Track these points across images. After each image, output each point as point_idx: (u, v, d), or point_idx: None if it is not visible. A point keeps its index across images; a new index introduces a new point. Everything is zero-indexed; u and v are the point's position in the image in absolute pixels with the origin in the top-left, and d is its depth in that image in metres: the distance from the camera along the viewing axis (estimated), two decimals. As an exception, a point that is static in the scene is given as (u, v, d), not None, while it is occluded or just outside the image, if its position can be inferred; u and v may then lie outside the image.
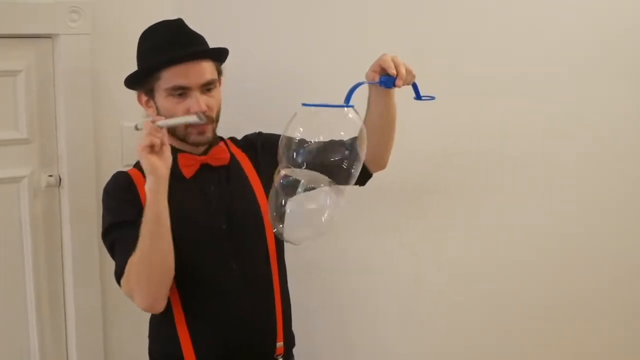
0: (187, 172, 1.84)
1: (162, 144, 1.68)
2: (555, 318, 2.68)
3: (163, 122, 1.72)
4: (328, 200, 1.58)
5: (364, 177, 1.86)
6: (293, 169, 1.57)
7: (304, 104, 1.55)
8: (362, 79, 1.75)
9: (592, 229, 2.68)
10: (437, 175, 2.49)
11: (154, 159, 1.66)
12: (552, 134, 2.58)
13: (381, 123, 1.85)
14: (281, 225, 1.60)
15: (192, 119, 1.75)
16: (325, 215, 1.60)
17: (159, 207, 1.68)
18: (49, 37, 2.07)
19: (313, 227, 1.64)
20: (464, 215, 2.53)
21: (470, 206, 2.53)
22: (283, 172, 1.59)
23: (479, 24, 2.45)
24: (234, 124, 2.02)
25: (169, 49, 1.78)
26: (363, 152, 1.61)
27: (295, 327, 1.97)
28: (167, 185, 1.69)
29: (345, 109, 1.57)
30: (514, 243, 2.59)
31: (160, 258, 1.70)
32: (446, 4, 2.43)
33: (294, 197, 1.56)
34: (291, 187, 1.57)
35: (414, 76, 1.73)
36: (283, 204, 1.58)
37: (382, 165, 1.96)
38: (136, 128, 1.77)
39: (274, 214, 1.60)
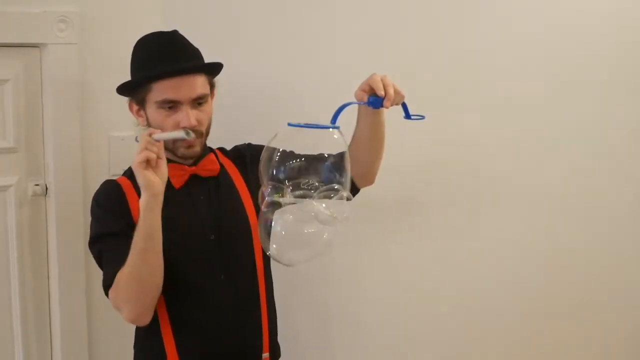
0: (177, 182, 1.84)
1: (158, 158, 1.67)
2: (546, 331, 2.72)
3: (159, 135, 1.70)
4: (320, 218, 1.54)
5: (352, 191, 1.87)
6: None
7: (289, 124, 1.54)
8: (353, 90, 1.76)
9: (584, 239, 2.72)
10: (424, 189, 2.51)
11: (149, 174, 1.65)
12: (542, 145, 2.62)
13: (370, 140, 1.87)
14: (274, 246, 1.57)
15: (180, 134, 1.72)
16: (320, 235, 1.56)
17: (153, 223, 1.67)
18: (37, 47, 2.06)
19: (306, 247, 1.60)
20: (451, 229, 2.55)
21: (457, 219, 2.55)
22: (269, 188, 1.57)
23: (468, 40, 2.48)
24: (225, 135, 2.02)
25: (161, 61, 1.77)
26: (348, 176, 1.60)
27: (281, 339, 1.98)
28: (161, 201, 1.67)
29: (331, 130, 1.57)
30: (502, 256, 2.61)
31: (150, 273, 1.70)
32: (437, 21, 2.45)
33: (284, 216, 1.53)
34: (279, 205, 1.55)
35: (402, 96, 1.74)
36: (273, 222, 1.55)
37: (370, 181, 1.97)
38: (136, 140, 1.77)
39: (263, 233, 1.57)
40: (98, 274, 1.81)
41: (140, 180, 1.65)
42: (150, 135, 1.68)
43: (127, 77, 1.85)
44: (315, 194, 1.55)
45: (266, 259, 1.89)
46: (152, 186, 1.65)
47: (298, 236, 1.57)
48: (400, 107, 1.77)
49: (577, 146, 2.66)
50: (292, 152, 1.59)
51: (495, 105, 2.52)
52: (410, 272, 2.52)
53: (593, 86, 2.64)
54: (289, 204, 1.55)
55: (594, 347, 2.78)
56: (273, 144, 1.58)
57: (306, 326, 2.44)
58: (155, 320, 1.78)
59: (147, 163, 1.64)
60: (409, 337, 2.56)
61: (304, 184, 1.56)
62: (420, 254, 2.52)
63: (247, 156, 1.96)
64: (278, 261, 1.62)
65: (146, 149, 1.64)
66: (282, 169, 1.56)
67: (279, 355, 1.98)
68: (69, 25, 2.06)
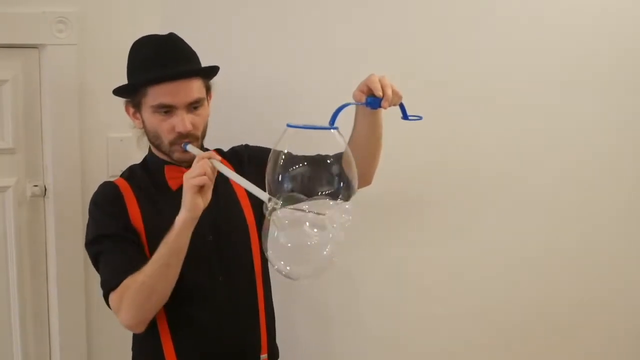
0: (174, 184, 1.84)
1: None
2: (546, 330, 2.72)
3: (220, 165, 1.67)
4: (328, 233, 1.52)
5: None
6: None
7: (288, 125, 1.54)
8: (352, 93, 1.76)
9: (584, 239, 2.72)
10: (423, 189, 2.51)
11: (199, 199, 1.64)
12: (542, 145, 2.62)
13: (367, 141, 1.87)
14: (282, 262, 1.55)
15: (263, 196, 1.57)
16: (326, 249, 1.54)
17: (184, 241, 1.68)
18: (36, 48, 2.06)
19: (312, 262, 1.57)
20: (450, 229, 2.55)
21: (457, 219, 2.55)
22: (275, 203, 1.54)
23: (468, 40, 2.48)
24: (224, 135, 2.02)
25: (156, 66, 1.77)
26: (354, 176, 1.59)
27: (279, 340, 1.98)
28: (196, 222, 1.67)
29: (330, 130, 1.56)
30: (502, 255, 2.62)
31: (164, 287, 1.70)
32: (437, 21, 2.45)
33: (286, 228, 1.51)
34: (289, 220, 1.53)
35: (400, 97, 1.74)
36: (279, 236, 1.53)
37: (367, 182, 1.97)
38: (184, 147, 1.78)
39: (268, 246, 1.55)
40: (97, 275, 1.81)
41: (187, 200, 1.64)
42: (210, 158, 1.66)
43: (126, 78, 1.85)
44: (316, 204, 1.54)
45: (264, 260, 1.89)
46: (196, 209, 1.65)
47: (301, 249, 1.55)
48: (398, 108, 1.77)
49: (577, 146, 2.66)
50: (292, 157, 1.58)
51: (495, 105, 2.52)
52: (409, 272, 2.52)
53: (593, 86, 2.64)
54: (289, 212, 1.54)
55: (594, 347, 2.78)
56: (277, 147, 1.56)
57: (305, 327, 2.44)
58: (153, 321, 1.78)
59: (201, 188, 1.63)
60: (408, 337, 2.56)
61: (305, 193, 1.54)
62: (420, 254, 2.52)
63: (244, 157, 1.96)
64: (288, 276, 1.60)
65: (205, 174, 1.63)
66: (286, 177, 1.55)
67: (277, 356, 1.98)
68: (68, 26, 2.05)
